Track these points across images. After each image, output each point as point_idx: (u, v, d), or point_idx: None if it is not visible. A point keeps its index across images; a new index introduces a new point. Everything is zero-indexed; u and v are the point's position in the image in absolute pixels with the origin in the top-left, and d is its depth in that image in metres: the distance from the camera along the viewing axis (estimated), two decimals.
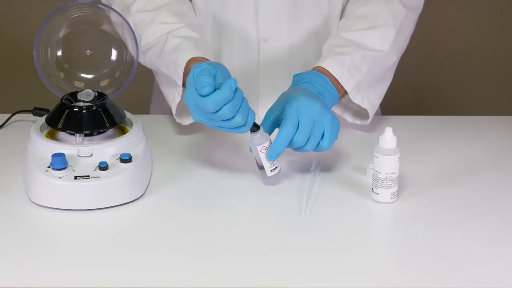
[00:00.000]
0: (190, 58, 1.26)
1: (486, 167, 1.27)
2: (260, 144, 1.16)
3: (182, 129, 1.41)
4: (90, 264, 1.00)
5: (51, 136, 1.20)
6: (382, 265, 1.02)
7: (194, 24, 1.37)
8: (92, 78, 1.26)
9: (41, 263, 1.00)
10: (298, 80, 1.27)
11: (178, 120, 1.36)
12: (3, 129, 1.40)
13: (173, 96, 1.33)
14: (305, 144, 1.17)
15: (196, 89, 1.08)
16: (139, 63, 1.33)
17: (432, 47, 2.61)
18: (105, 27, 1.26)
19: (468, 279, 0.99)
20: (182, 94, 1.29)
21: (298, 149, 1.18)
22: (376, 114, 1.50)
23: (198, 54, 1.27)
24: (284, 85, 1.29)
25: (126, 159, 1.15)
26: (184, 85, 1.28)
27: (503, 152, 1.34)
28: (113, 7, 1.31)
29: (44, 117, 1.22)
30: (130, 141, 1.19)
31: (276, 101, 1.22)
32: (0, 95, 2.60)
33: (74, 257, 1.02)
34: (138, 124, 1.23)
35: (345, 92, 1.30)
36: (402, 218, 1.14)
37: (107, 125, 1.19)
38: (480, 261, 1.02)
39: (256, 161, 1.18)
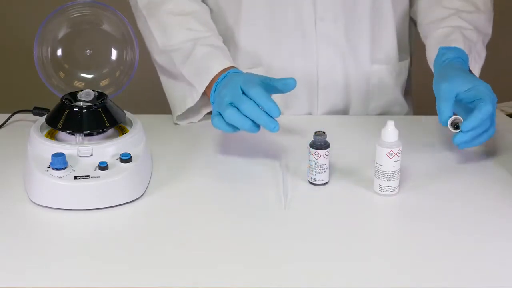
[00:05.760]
0: (221, 69, 1.33)
1: (486, 165, 1.28)
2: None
3: (182, 129, 1.42)
4: (90, 264, 1.00)
5: (51, 136, 1.20)
6: (385, 257, 1.02)
7: (218, 34, 1.43)
8: (92, 78, 1.26)
9: (41, 263, 1.00)
10: (452, 57, 1.32)
11: (178, 122, 1.42)
12: (3, 129, 1.40)
13: (184, 100, 1.39)
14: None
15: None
16: (153, 62, 1.44)
17: None
18: (105, 27, 1.26)
19: (468, 274, 0.99)
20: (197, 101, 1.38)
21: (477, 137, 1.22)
22: (380, 114, 1.54)
23: (228, 64, 1.34)
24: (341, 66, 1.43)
25: (126, 159, 1.15)
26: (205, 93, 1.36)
27: (503, 151, 1.34)
28: (139, 3, 1.42)
29: (44, 117, 1.22)
30: (130, 141, 1.19)
31: (450, 77, 1.25)
32: (0, 95, 2.61)
33: (74, 257, 1.02)
34: (138, 124, 1.23)
35: None
36: (404, 211, 1.15)
37: (107, 125, 1.19)
38: (480, 255, 1.03)
39: None
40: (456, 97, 1.21)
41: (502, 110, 1.53)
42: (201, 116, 1.44)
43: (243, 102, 1.20)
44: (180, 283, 0.97)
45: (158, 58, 1.43)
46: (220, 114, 1.23)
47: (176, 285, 0.97)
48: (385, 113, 1.53)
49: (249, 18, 1.45)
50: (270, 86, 1.23)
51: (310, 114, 1.50)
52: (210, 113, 1.38)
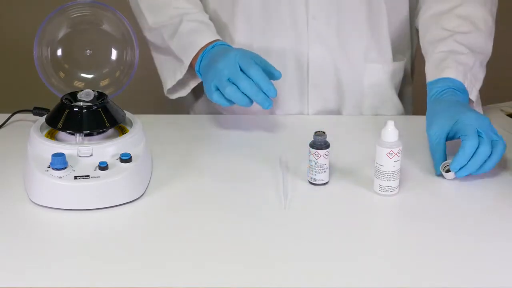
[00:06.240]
0: (206, 42, 1.39)
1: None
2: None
3: (182, 129, 1.42)
4: (90, 264, 1.00)
5: (51, 136, 1.20)
6: (385, 257, 1.02)
7: (204, 11, 1.48)
8: (92, 78, 1.26)
9: (41, 263, 1.00)
10: (440, 90, 1.33)
11: (168, 95, 1.50)
12: (3, 129, 1.40)
13: (174, 73, 1.45)
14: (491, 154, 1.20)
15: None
16: (152, 56, 1.48)
17: None
18: (105, 27, 1.26)
19: (468, 274, 0.99)
20: (184, 73, 1.43)
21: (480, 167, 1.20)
22: (374, 114, 1.54)
23: (213, 38, 1.40)
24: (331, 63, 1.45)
25: (126, 159, 1.15)
26: (192, 66, 1.41)
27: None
28: None
29: (44, 117, 1.22)
30: (130, 141, 1.19)
31: (437, 117, 1.27)
32: (0, 95, 2.60)
33: (73, 257, 1.02)
34: (138, 124, 1.23)
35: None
36: (404, 211, 1.15)
37: (107, 125, 1.19)
38: (480, 255, 1.03)
39: None
40: (446, 136, 1.25)
41: (502, 110, 1.53)
42: (189, 89, 1.49)
43: (242, 80, 1.28)
44: (180, 283, 0.97)
45: (148, 35, 1.49)
46: (219, 90, 1.30)
47: (176, 285, 0.97)
48: (379, 113, 1.53)
49: (244, 16, 1.46)
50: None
51: (301, 113, 1.51)
52: (201, 98, 1.48)
